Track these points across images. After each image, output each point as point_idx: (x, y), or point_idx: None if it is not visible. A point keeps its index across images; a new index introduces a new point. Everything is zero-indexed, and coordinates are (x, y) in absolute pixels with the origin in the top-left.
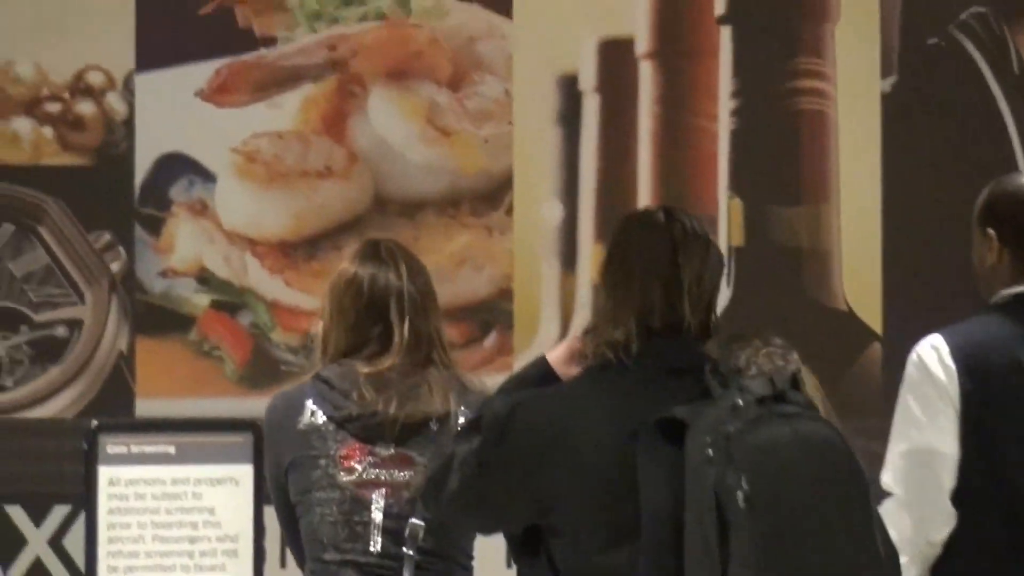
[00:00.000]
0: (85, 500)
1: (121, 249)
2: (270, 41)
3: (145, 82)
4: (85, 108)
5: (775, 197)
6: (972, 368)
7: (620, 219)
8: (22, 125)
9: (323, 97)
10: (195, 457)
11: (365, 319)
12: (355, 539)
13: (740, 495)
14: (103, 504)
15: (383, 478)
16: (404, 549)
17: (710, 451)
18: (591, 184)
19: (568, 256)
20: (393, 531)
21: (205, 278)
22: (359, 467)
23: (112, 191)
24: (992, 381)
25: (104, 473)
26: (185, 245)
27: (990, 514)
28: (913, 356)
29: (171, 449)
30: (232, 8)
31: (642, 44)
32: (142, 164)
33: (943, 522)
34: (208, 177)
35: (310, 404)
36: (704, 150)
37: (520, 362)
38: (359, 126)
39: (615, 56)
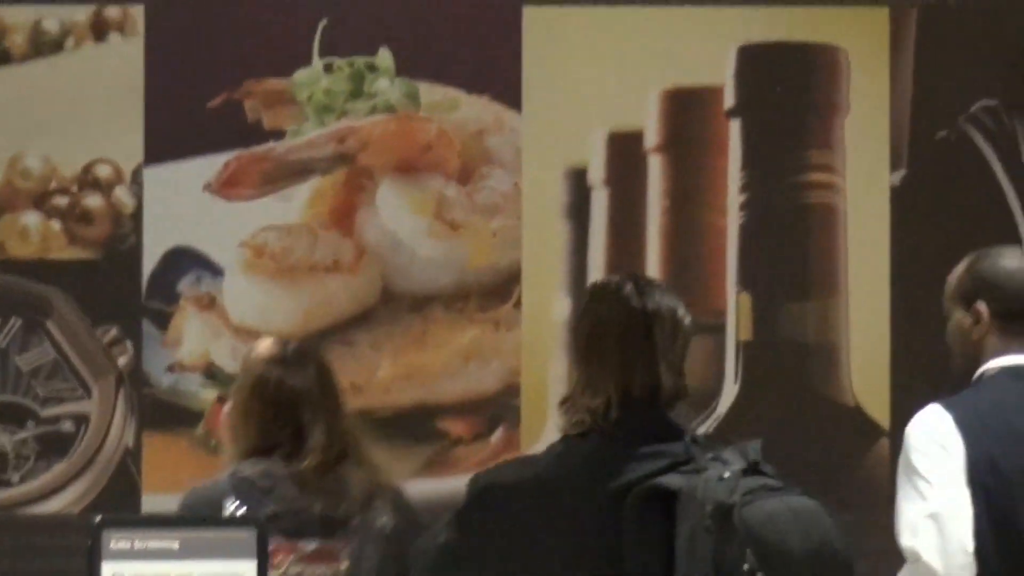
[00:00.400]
0: None
1: (128, 343)
2: (279, 134)
3: (153, 175)
4: (93, 201)
5: (784, 291)
6: (977, 436)
7: (589, 290)
8: (30, 219)
9: (332, 190)
10: (199, 553)
11: (274, 420)
12: None
13: (746, 567)
14: None
15: (307, 573)
16: None
17: (709, 521)
18: (600, 278)
19: None
20: None
21: (212, 373)
22: (285, 563)
23: (120, 285)
24: (995, 448)
25: (108, 568)
26: (193, 339)
27: None
28: (917, 424)
29: (175, 545)
30: (241, 102)
31: (651, 137)
32: (150, 258)
33: None
34: (216, 271)
35: (230, 503)
36: (713, 244)
37: None
38: (368, 219)
39: (624, 149)
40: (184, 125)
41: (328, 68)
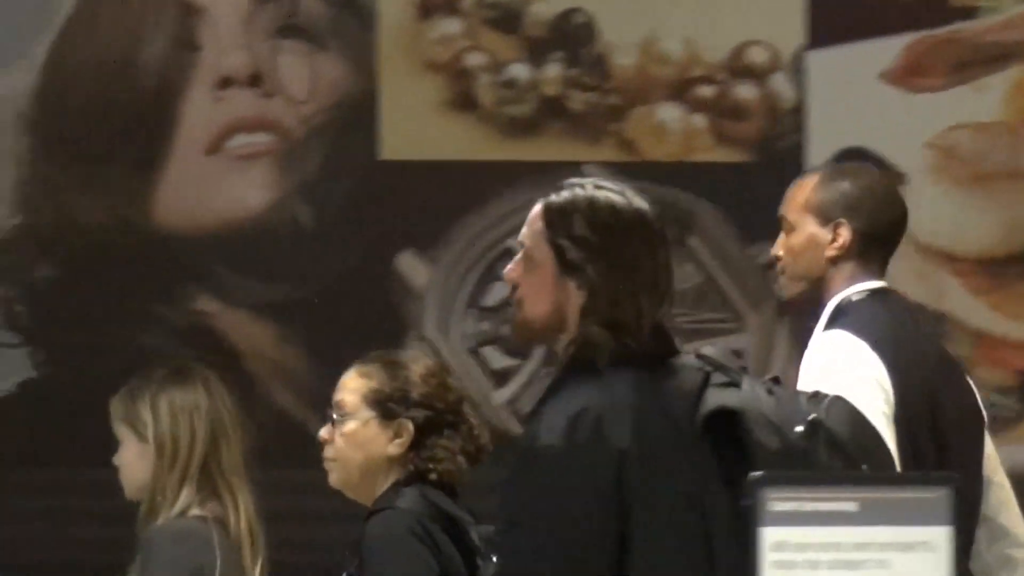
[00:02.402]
0: (745, 565)
1: None
2: (969, 12)
3: (817, 61)
4: (745, 92)
5: None
6: (892, 365)
7: (591, 201)
8: (668, 113)
9: None
10: (881, 517)
11: None
12: None
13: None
14: (768, 572)
15: None
16: None
17: (805, 442)
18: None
19: None
20: None
21: None
22: None
23: (778, 193)
24: (907, 374)
25: (770, 535)
26: None
27: None
28: (838, 350)
29: (852, 506)
30: None
31: None
32: (815, 159)
33: None
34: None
35: None
36: None
37: None
38: None
39: None
40: (854, 1)
41: None
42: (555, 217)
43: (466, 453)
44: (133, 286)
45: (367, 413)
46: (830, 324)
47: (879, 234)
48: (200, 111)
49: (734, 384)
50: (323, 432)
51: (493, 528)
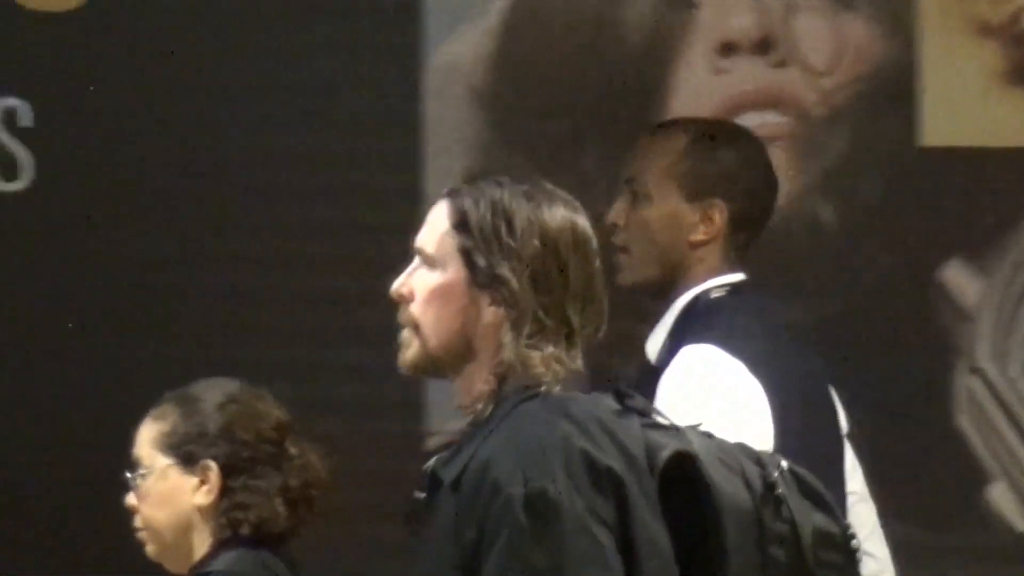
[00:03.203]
0: None
1: None
2: None
3: None
4: None
5: None
6: (774, 388)
7: (510, 201)
8: None
9: None
10: None
11: None
12: None
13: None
14: None
15: None
16: None
17: (782, 490)
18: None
19: None
20: None
21: None
22: None
23: None
24: (784, 394)
25: None
26: None
27: None
28: (718, 367)
29: None
30: None
31: None
32: None
33: None
34: None
35: None
36: None
37: None
38: None
39: None
40: None
41: None
42: (468, 219)
43: (286, 491)
44: None
45: (164, 461)
46: (685, 324)
47: (752, 217)
48: (697, 84)
49: (668, 427)
50: (128, 499)
51: None
